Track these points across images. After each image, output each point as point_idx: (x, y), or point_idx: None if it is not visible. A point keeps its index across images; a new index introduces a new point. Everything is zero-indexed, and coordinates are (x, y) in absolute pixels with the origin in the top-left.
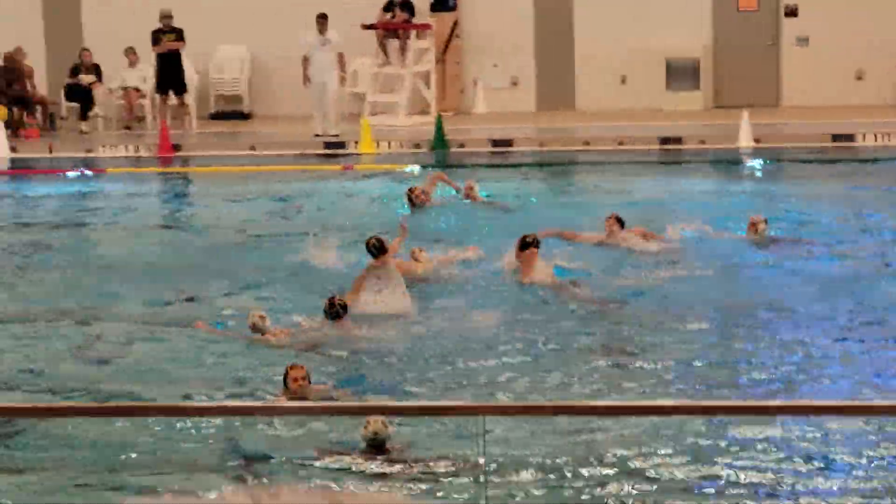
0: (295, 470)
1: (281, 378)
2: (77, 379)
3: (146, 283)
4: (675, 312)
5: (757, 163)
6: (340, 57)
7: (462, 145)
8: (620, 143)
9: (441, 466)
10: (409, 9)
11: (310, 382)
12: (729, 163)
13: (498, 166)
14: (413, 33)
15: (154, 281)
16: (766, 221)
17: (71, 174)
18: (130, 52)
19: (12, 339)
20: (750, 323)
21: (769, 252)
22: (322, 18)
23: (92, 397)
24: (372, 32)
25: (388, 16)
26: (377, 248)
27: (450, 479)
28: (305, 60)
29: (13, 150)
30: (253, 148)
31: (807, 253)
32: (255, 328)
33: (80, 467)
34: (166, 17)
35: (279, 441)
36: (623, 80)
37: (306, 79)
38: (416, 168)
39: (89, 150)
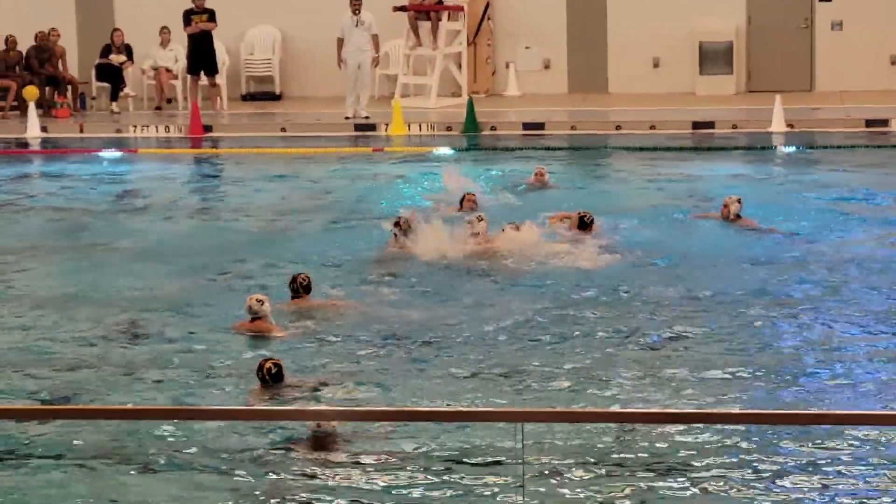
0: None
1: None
2: (108, 364)
3: (174, 265)
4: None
5: (789, 148)
6: (374, 39)
7: (493, 128)
8: (652, 127)
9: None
10: None
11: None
12: (761, 148)
13: (529, 149)
14: (445, 15)
15: (182, 262)
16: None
17: (101, 154)
18: (164, 31)
19: (37, 322)
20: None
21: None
22: (356, 0)
23: (127, 386)
24: (403, 14)
25: None
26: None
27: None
28: (340, 42)
29: (44, 129)
30: (283, 129)
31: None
32: (251, 311)
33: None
34: None
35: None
36: (656, 64)
37: (341, 60)
38: (447, 150)
39: (120, 131)
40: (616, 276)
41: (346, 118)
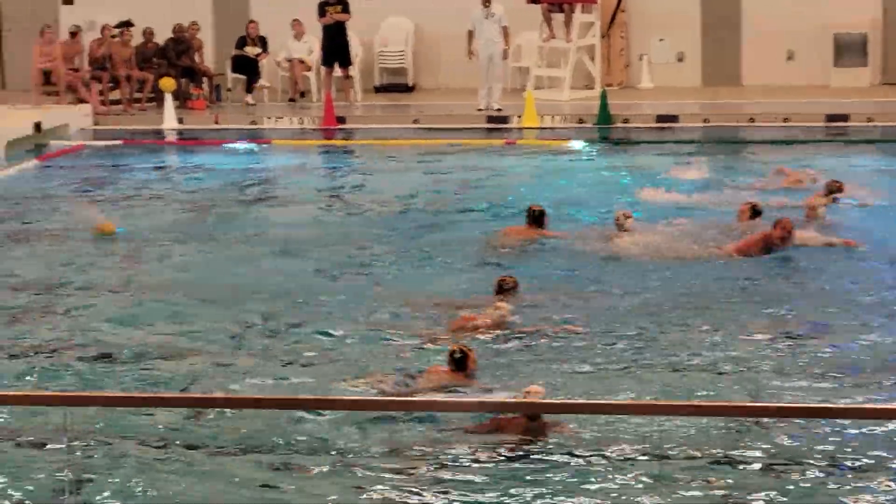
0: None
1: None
2: (239, 355)
3: (310, 255)
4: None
5: None
6: (505, 31)
7: (626, 121)
8: (786, 120)
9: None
10: None
11: None
12: None
13: (662, 142)
14: (578, 7)
15: (317, 253)
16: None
17: (236, 145)
18: (297, 23)
19: (172, 312)
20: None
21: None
22: None
23: (255, 376)
24: (537, 6)
25: None
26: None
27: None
28: (470, 34)
29: (180, 121)
30: (416, 121)
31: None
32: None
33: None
34: None
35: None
36: (790, 56)
37: (471, 52)
38: (579, 143)
39: (254, 122)
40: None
41: (479, 110)
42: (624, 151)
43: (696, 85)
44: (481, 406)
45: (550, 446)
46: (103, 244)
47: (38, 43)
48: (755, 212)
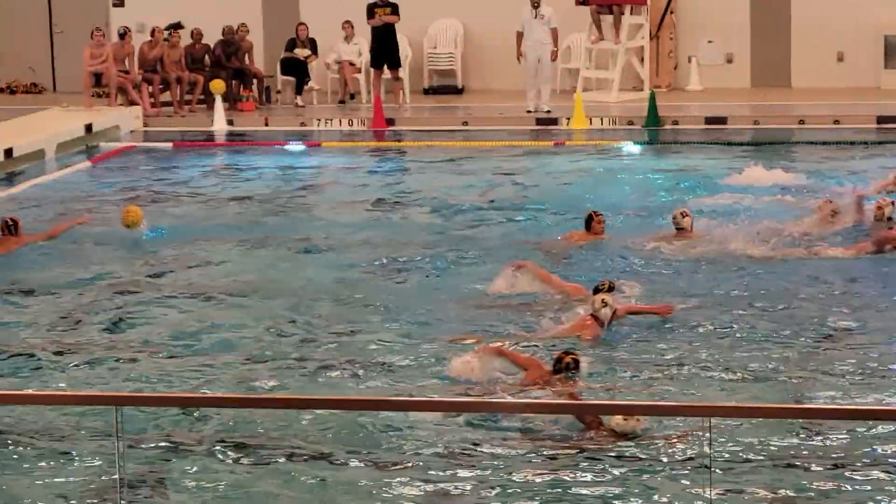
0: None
1: None
2: (290, 356)
3: (358, 257)
4: None
5: None
6: (554, 32)
7: (675, 122)
8: (836, 122)
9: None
10: None
11: None
12: None
13: (711, 144)
14: (628, 9)
15: (366, 255)
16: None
17: (286, 147)
18: (347, 25)
19: (223, 312)
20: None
21: None
22: None
23: (303, 378)
24: (585, 8)
25: None
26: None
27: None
28: (519, 35)
29: (230, 122)
30: (465, 123)
31: None
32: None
33: None
34: None
35: None
36: (840, 58)
37: (520, 54)
38: (628, 145)
39: (304, 124)
40: None
41: (528, 112)
42: (676, 153)
43: (745, 86)
44: (488, 406)
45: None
46: (154, 245)
47: (88, 45)
48: (834, 212)
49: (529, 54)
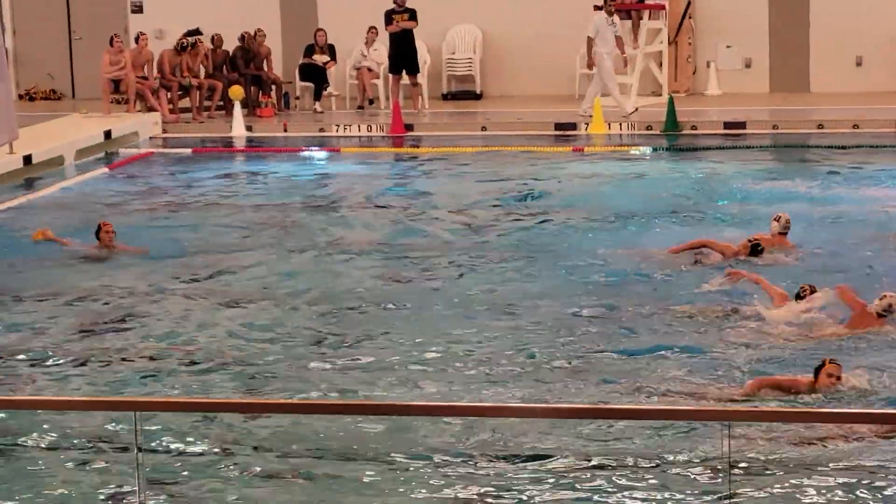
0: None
1: None
2: (313, 359)
3: (378, 263)
4: None
5: None
6: (619, 39)
7: (694, 127)
8: (855, 127)
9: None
10: None
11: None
12: None
13: (730, 149)
14: (646, 13)
15: (382, 261)
16: None
17: (305, 153)
18: (372, 31)
19: (243, 319)
20: None
21: None
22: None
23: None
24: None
25: None
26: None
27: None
28: (590, 41)
29: (249, 129)
30: (484, 128)
31: None
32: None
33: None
34: None
35: None
36: (858, 62)
37: (590, 60)
38: (647, 150)
39: (322, 130)
40: None
41: (630, 114)
42: (696, 158)
43: (764, 91)
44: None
45: None
46: (173, 251)
47: (107, 52)
48: None
49: (607, 58)
